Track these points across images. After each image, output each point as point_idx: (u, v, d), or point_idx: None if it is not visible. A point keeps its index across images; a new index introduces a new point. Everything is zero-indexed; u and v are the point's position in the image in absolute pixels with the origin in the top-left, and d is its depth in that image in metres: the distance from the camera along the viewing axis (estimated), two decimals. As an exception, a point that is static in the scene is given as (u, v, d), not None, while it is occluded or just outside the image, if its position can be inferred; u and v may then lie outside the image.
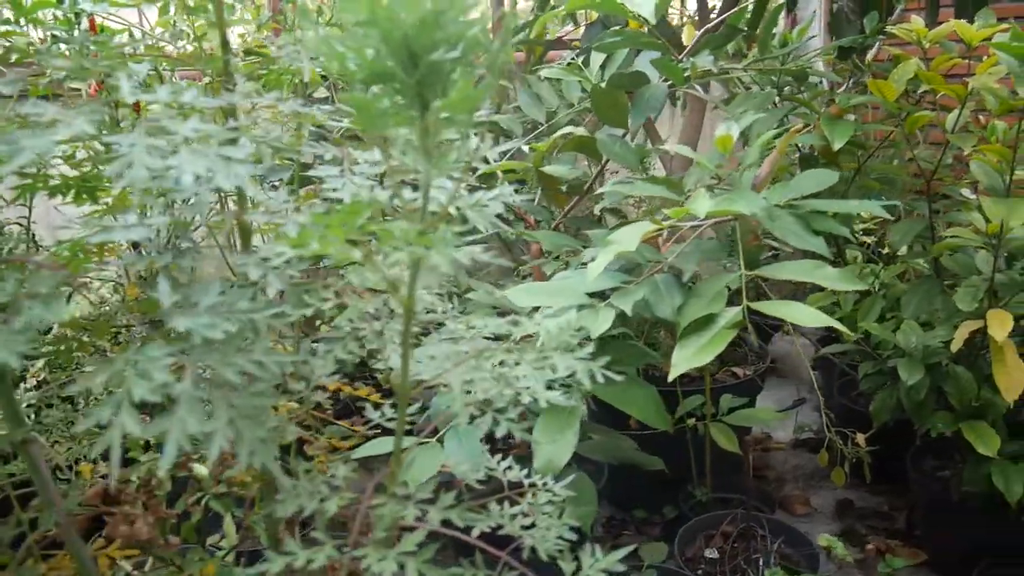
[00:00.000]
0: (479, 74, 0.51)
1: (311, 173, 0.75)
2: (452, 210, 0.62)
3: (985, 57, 1.41)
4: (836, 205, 1.02)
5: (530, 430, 1.51)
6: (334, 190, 0.57)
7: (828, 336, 2.37)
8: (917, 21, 1.60)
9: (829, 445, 1.55)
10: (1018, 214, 1.17)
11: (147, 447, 0.97)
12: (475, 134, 0.56)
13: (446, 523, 0.57)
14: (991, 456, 1.36)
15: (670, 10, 2.97)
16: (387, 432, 0.86)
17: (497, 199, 0.57)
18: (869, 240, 2.35)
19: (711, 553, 1.59)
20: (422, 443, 1.00)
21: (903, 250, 2.02)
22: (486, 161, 1.63)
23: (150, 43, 0.79)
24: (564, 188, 1.47)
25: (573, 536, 0.64)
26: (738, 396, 1.76)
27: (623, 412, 1.16)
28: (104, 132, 0.76)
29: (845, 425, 2.16)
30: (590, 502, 1.13)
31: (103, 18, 1.51)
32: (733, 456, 1.61)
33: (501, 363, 0.65)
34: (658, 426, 1.02)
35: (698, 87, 1.27)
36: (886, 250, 2.17)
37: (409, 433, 1.09)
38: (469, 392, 0.55)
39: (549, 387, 0.65)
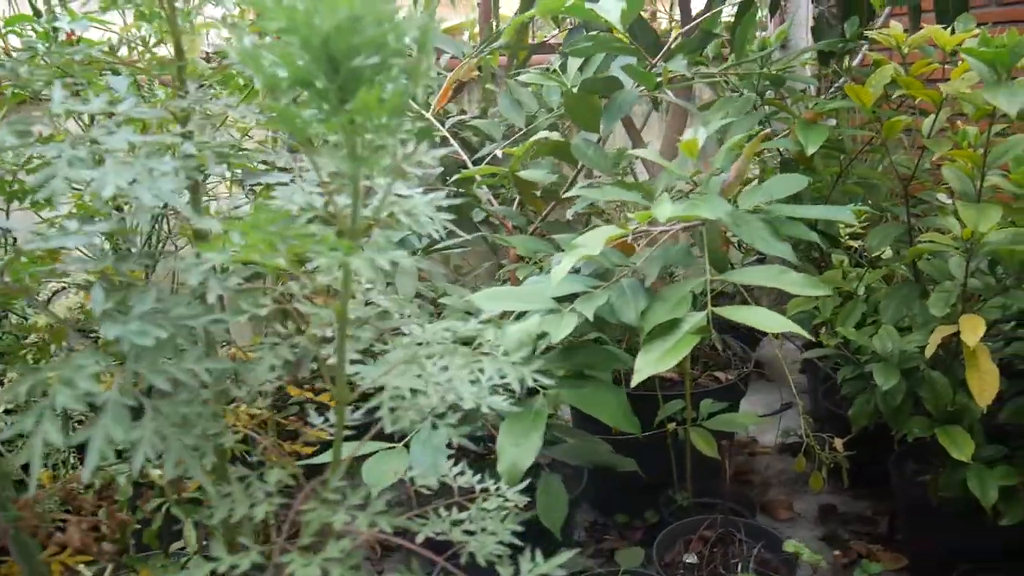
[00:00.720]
0: (402, 79, 0.51)
1: (263, 180, 0.76)
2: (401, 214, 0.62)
3: (961, 62, 1.41)
4: (802, 211, 1.03)
5: (474, 438, 1.51)
6: (264, 196, 0.57)
7: (815, 340, 2.37)
8: (896, 26, 1.60)
9: (807, 450, 1.55)
10: (987, 219, 1.17)
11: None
12: (406, 139, 0.56)
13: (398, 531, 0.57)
14: (966, 461, 1.36)
15: (659, 15, 2.98)
16: (353, 437, 0.87)
17: (431, 203, 0.57)
18: (856, 244, 2.35)
19: (690, 558, 1.59)
20: (388, 448, 1.00)
21: (888, 254, 2.02)
22: (464, 167, 1.63)
23: (106, 50, 0.79)
24: (538, 193, 1.47)
25: (516, 541, 0.64)
26: (720, 401, 1.76)
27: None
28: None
29: (830, 429, 2.16)
30: (560, 507, 1.13)
31: (91, 27, 1.51)
32: (716, 461, 1.61)
33: (445, 368, 0.65)
34: (626, 430, 1.02)
35: (669, 92, 1.27)
36: (874, 254, 2.17)
37: (378, 436, 1.09)
38: (402, 397, 0.55)
39: (494, 392, 0.65)
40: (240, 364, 0.65)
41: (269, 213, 0.43)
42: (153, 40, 0.89)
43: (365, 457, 1.10)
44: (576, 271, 1.17)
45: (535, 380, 0.58)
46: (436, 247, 1.77)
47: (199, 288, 0.60)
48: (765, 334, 2.83)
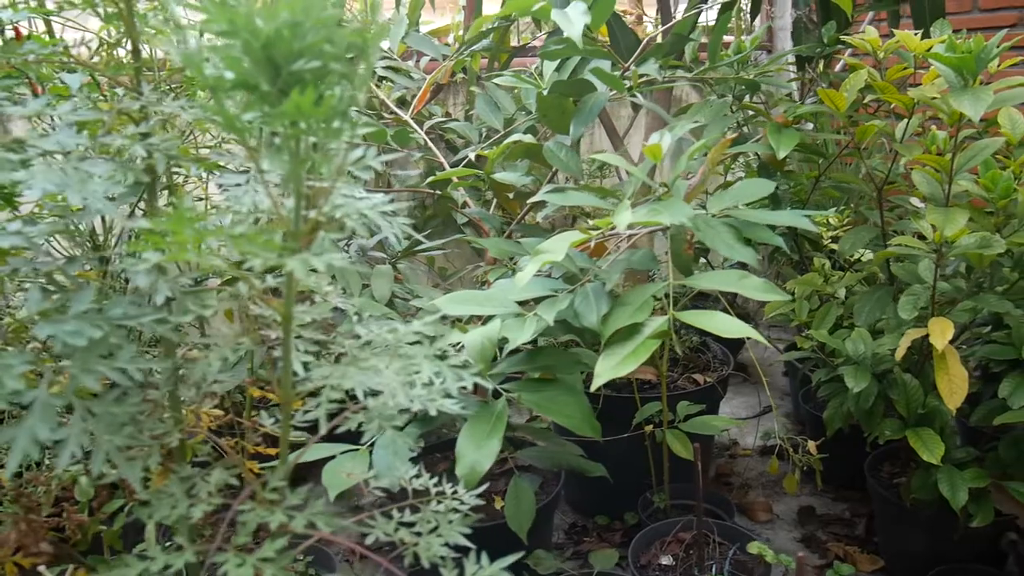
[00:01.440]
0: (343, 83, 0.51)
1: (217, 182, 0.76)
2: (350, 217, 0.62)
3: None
4: (765, 216, 1.03)
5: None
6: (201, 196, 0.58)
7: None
8: (871, 31, 1.61)
9: (780, 453, 1.55)
10: (954, 223, 1.18)
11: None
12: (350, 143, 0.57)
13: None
14: (936, 463, 1.36)
15: (644, 18, 2.98)
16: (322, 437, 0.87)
17: (376, 207, 0.58)
18: (838, 247, 2.36)
19: (665, 559, 1.60)
20: (349, 450, 1.00)
21: (868, 257, 2.03)
22: (439, 169, 1.63)
23: (60, 49, 0.80)
24: (511, 195, 1.47)
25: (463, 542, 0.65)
26: (698, 403, 1.76)
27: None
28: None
29: (811, 431, 2.16)
30: (527, 511, 1.13)
31: (63, 24, 1.51)
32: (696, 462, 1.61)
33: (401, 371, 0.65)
34: (585, 434, 1.02)
35: (640, 96, 1.27)
36: (853, 257, 2.18)
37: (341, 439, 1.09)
38: (352, 398, 0.56)
39: (447, 395, 0.65)
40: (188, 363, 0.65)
41: (193, 212, 0.43)
42: (114, 41, 0.89)
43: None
44: (548, 274, 1.18)
45: (475, 383, 0.58)
46: (416, 249, 1.77)
47: (148, 288, 0.60)
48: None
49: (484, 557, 0.62)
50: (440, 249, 1.62)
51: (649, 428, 1.71)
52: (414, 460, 1.00)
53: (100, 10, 0.77)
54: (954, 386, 1.29)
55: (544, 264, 0.91)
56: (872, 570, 1.74)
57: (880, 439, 1.47)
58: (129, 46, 0.77)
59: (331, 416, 0.67)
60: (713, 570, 1.51)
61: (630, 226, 0.98)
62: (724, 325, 0.91)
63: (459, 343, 0.95)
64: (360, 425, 0.62)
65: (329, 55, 0.49)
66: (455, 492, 0.77)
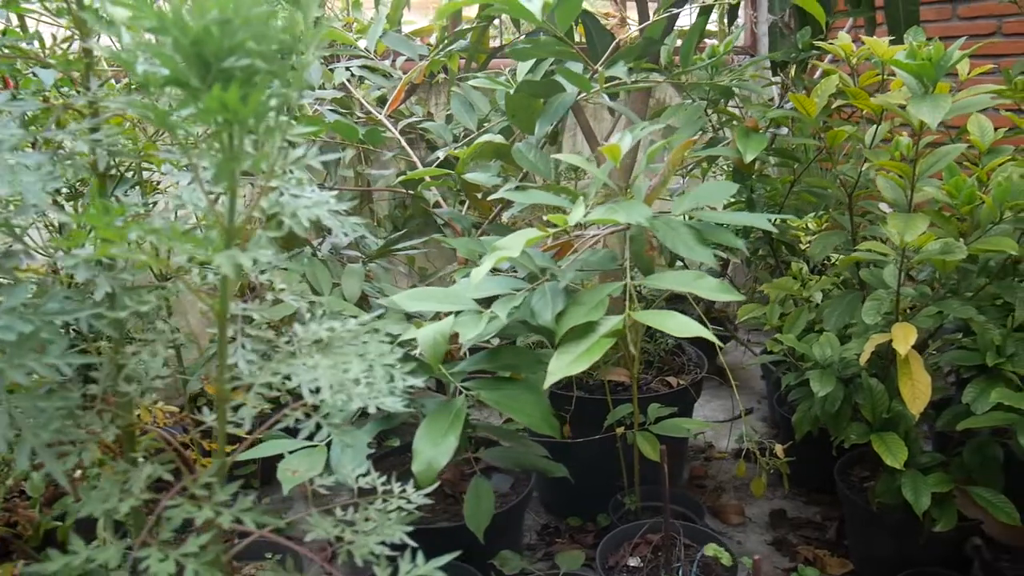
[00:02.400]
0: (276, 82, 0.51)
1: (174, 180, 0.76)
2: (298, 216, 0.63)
3: (903, 74, 1.43)
4: (727, 217, 1.04)
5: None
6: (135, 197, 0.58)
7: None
8: (844, 38, 1.62)
9: (748, 456, 1.56)
10: (914, 229, 1.19)
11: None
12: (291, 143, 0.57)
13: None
14: (899, 467, 1.37)
15: (629, 20, 2.99)
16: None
17: (318, 206, 0.58)
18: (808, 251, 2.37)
19: (633, 561, 1.60)
20: (306, 447, 1.00)
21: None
22: (414, 169, 1.63)
23: (15, 44, 0.80)
24: (480, 195, 1.47)
25: (402, 541, 0.65)
26: (670, 405, 1.77)
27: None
28: None
29: (785, 435, 2.17)
30: (486, 511, 1.14)
31: (36, 19, 1.52)
32: (669, 465, 1.62)
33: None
34: (544, 432, 1.03)
35: (607, 96, 1.28)
36: (831, 261, 2.20)
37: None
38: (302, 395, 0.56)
39: (392, 393, 0.65)
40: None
41: (113, 206, 0.44)
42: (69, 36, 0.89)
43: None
44: (513, 274, 1.18)
45: (405, 381, 0.58)
46: (392, 248, 1.78)
47: (89, 284, 0.60)
48: (728, 339, 2.86)
49: (420, 555, 0.62)
50: (415, 249, 1.62)
51: (620, 430, 1.72)
52: (377, 458, 1.00)
53: (50, 5, 0.77)
54: (917, 391, 1.29)
55: (502, 260, 0.91)
56: (841, 573, 1.75)
57: (846, 443, 1.48)
58: (81, 42, 0.77)
59: (276, 411, 0.67)
60: (679, 572, 1.52)
61: (590, 224, 0.99)
62: (678, 325, 0.91)
63: (412, 339, 0.96)
64: (297, 422, 0.62)
65: (258, 53, 0.49)
66: (403, 491, 0.77)
